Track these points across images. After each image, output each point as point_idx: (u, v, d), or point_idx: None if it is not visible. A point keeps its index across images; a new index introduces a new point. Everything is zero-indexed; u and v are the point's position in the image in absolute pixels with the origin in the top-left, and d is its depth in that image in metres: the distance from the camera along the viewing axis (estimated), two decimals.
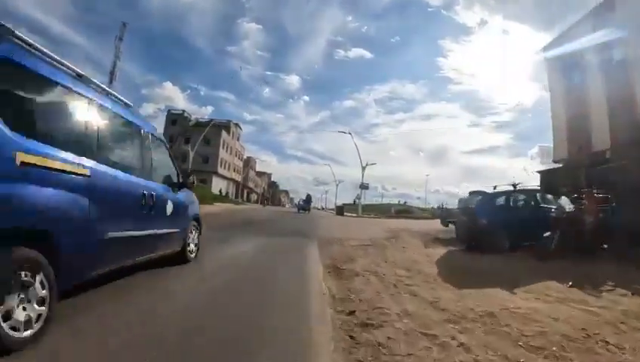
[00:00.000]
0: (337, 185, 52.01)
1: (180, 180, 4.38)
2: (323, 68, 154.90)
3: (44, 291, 1.98)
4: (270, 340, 2.31)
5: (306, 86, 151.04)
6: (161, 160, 4.03)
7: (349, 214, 31.14)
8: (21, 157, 1.86)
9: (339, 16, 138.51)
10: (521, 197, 7.95)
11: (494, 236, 7.19)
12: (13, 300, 1.77)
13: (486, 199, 7.63)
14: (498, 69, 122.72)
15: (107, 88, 3.20)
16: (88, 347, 1.91)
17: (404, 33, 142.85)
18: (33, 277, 1.91)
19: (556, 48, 19.19)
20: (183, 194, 4.38)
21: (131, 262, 3.29)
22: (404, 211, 33.05)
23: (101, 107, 2.82)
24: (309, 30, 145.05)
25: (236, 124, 62.60)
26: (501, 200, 7.64)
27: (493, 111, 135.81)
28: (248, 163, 73.09)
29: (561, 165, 19.08)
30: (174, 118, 56.95)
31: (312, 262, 5.42)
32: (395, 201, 78.87)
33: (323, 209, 75.85)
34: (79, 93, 2.57)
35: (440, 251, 7.33)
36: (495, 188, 8.42)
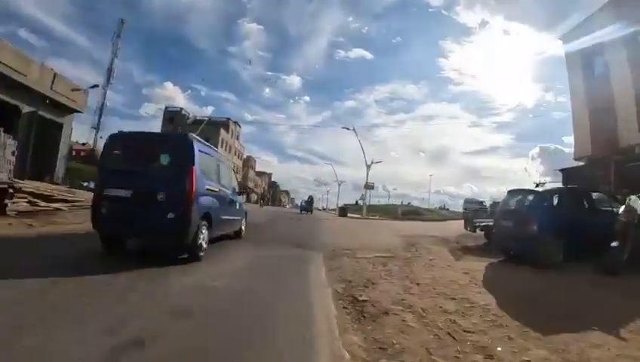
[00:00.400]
0: (339, 185, 50.29)
1: (239, 189, 7.54)
2: (324, 68, 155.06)
3: (206, 237, 4.97)
4: None
5: (307, 86, 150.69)
6: (232, 178, 7.15)
7: (352, 215, 29.57)
8: (206, 186, 5.04)
9: (340, 16, 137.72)
10: (575, 197, 6.39)
11: (547, 246, 5.64)
12: (201, 239, 4.78)
13: (538, 200, 6.01)
14: (499, 69, 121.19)
15: (216, 149, 7.05)
16: (218, 258, 5.02)
17: (405, 34, 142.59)
18: (205, 231, 4.91)
19: (576, 40, 17.67)
20: (240, 197, 7.43)
21: (225, 233, 6.45)
22: (411, 212, 31.09)
23: (218, 160, 6.20)
24: (310, 30, 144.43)
25: (235, 123, 60.98)
26: (554, 202, 6.06)
27: (494, 112, 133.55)
28: (248, 162, 71.47)
29: (582, 163, 17.64)
30: (172, 116, 55.52)
31: (317, 287, 3.88)
32: (397, 202, 77.42)
33: (324, 209, 74.46)
34: (213, 156, 5.95)
35: (477, 265, 5.78)
36: (537, 185, 6.90)
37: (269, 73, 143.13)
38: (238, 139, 62.77)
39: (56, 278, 3.24)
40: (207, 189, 5.03)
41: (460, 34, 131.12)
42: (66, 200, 11.45)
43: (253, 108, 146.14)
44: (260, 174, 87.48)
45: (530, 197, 6.21)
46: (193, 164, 4.53)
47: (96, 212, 4.54)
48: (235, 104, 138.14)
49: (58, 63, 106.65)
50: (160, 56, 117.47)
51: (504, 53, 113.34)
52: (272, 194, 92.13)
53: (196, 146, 4.77)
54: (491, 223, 8.12)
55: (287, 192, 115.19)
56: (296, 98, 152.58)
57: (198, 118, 57.97)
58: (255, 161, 78.45)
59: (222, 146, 55.50)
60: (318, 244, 7.60)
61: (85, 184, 18.62)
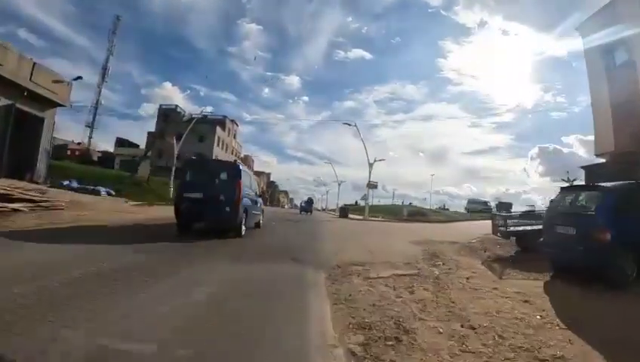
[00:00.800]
0: (339, 185, 48.67)
1: (259, 192, 10.66)
2: (323, 68, 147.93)
3: (245, 223, 7.65)
4: None
5: (307, 86, 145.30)
6: (256, 185, 10.25)
7: (354, 216, 28.11)
8: (246, 192, 7.81)
9: (339, 17, 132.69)
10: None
11: (623, 259, 4.24)
12: (243, 225, 7.50)
13: (609, 200, 4.53)
14: (498, 69, 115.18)
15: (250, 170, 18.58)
16: (254, 237, 7.97)
17: (405, 34, 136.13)
18: (244, 220, 7.51)
19: (597, 31, 16.22)
20: (260, 198, 10.07)
21: (252, 223, 8.78)
22: (417, 213, 29.23)
23: (251, 175, 9.73)
24: (309, 31, 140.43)
25: (232, 121, 59.54)
26: (627, 202, 4.60)
27: (494, 112, 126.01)
28: (246, 161, 70.08)
29: (604, 160, 16.30)
30: (166, 114, 54.00)
31: (319, 343, 2.40)
32: (397, 202, 75.95)
33: (324, 210, 73.09)
34: (248, 173, 9.27)
35: (530, 286, 4.36)
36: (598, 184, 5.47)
37: (269, 73, 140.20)
38: (235, 137, 61.40)
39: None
40: (246, 194, 7.47)
41: (459, 34, 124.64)
42: (32, 201, 10.07)
43: (253, 109, 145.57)
44: (259, 174, 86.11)
45: (597, 196, 4.76)
46: (240, 179, 7.09)
47: (178, 207, 6.81)
48: (235, 104, 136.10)
49: (58, 63, 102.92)
50: (159, 56, 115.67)
51: (503, 53, 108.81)
52: (271, 194, 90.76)
53: (242, 168, 7.62)
54: (530, 229, 6.74)
55: (285, 192, 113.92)
56: (296, 98, 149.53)
57: (194, 115, 56.57)
58: (253, 161, 77.07)
59: (218, 145, 54.01)
60: (320, 255, 6.14)
61: (66, 183, 17.13)
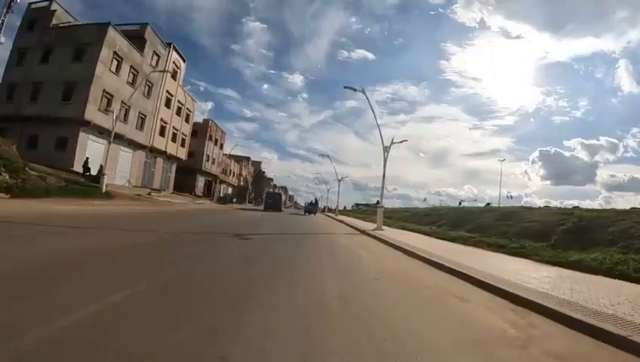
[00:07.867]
0: (385, 159, 22.33)
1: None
2: (326, 68, 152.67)
3: (281, 209, 39.13)
4: None
5: (309, 85, 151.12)
6: (284, 197, 65.66)
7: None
8: (284, 200, 59.56)
9: (342, 17, 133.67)
10: None
11: None
12: (283, 209, 41.91)
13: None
14: (500, 72, 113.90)
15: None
16: (284, 211, 36.29)
17: (407, 35, 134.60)
18: (283, 208, 43.65)
19: None
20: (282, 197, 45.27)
21: (282, 209, 39.80)
22: None
23: (282, 193, 60.47)
24: (312, 31, 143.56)
25: (170, 45, 33.03)
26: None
27: (495, 115, 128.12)
28: (206, 130, 43.07)
29: None
30: (35, 17, 28.39)
31: None
32: (398, 204, 54.15)
33: (328, 210, 48.62)
34: (283, 194, 67.49)
35: None
36: None
37: (272, 72, 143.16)
38: (175, 79, 34.65)
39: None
40: (283, 201, 42.02)
41: (460, 36, 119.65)
42: None
43: (255, 106, 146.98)
44: (238, 159, 59.16)
45: None
46: (281, 197, 40.37)
47: (265, 203, 35.93)
48: (237, 101, 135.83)
49: None
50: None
51: (505, 56, 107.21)
52: (255, 188, 63.39)
53: (282, 193, 53.92)
54: None
55: (284, 189, 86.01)
56: (298, 97, 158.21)
57: (84, 22, 30.91)
58: (224, 134, 49.94)
59: (112, 69, 27.51)
60: None
61: None
